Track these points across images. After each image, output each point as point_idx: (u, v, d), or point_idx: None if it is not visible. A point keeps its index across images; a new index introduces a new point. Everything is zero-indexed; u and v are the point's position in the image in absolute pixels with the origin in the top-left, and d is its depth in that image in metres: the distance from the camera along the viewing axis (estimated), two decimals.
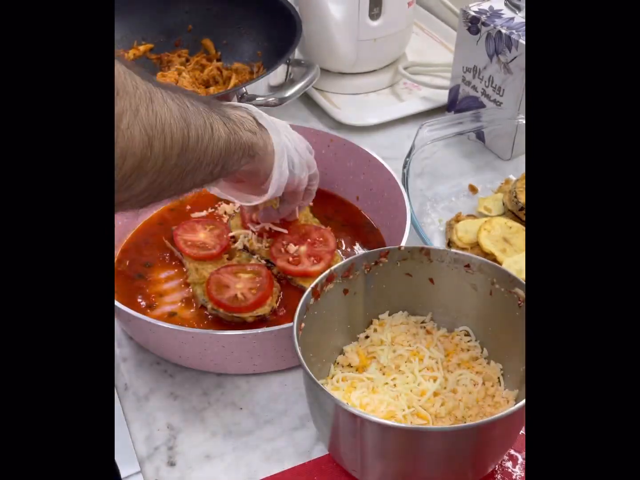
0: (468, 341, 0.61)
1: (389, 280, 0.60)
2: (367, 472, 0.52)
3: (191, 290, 0.69)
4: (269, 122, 0.58)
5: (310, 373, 0.48)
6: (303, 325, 0.53)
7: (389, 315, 0.62)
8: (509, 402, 0.56)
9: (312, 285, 0.55)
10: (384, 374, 0.57)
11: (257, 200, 0.63)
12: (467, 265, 0.58)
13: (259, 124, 0.57)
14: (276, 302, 0.68)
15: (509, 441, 0.52)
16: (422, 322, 0.62)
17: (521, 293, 0.55)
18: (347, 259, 0.58)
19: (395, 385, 0.56)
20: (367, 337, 0.61)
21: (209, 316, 0.67)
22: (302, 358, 0.49)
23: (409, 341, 0.60)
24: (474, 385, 0.57)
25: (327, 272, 0.56)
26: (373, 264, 0.59)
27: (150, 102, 0.42)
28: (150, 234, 0.76)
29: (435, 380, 0.56)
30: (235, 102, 0.59)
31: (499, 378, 0.58)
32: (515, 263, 0.69)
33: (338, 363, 0.60)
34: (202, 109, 0.49)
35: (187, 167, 0.47)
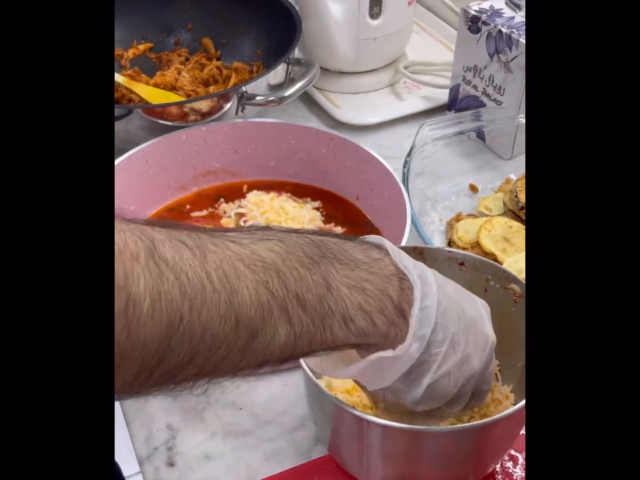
0: None
1: None
2: (367, 472, 0.52)
3: None
4: (427, 327, 0.38)
5: (310, 374, 0.48)
6: None
7: None
8: (507, 398, 0.56)
9: None
10: None
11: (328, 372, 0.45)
12: (461, 263, 0.58)
13: (402, 315, 0.38)
14: None
15: (510, 441, 0.52)
16: None
17: (517, 289, 0.55)
18: None
19: None
20: None
21: None
22: (302, 361, 0.49)
23: None
24: None
25: None
26: None
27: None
28: None
29: None
30: (406, 265, 0.40)
31: (496, 374, 0.58)
32: (515, 262, 0.69)
33: None
34: (261, 303, 0.33)
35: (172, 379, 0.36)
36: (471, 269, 0.58)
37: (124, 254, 0.30)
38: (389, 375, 0.41)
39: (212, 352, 0.33)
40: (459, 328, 0.41)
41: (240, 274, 0.33)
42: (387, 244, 0.41)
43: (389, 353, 0.38)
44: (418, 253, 0.59)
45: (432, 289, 0.39)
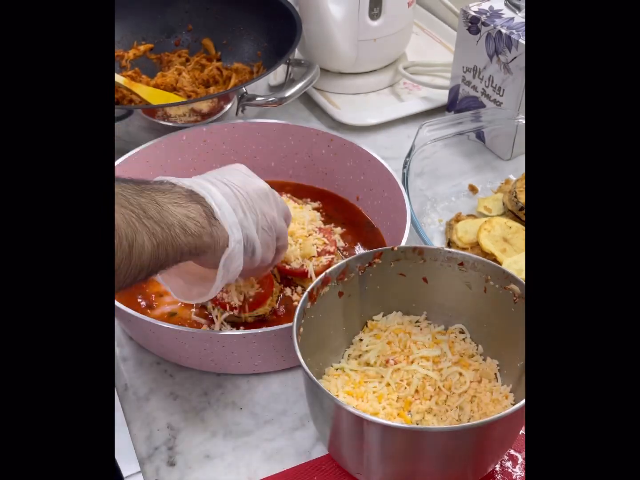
0: (463, 339, 0.61)
1: (384, 281, 0.60)
2: (367, 472, 0.52)
3: None
4: (228, 214, 0.51)
5: (310, 374, 0.48)
6: (302, 330, 0.53)
7: (384, 316, 0.62)
8: (507, 397, 0.56)
9: (308, 289, 0.55)
10: (378, 373, 0.58)
11: (197, 299, 0.57)
12: (461, 264, 0.58)
13: (212, 219, 0.50)
14: (276, 302, 0.68)
15: (509, 441, 0.53)
16: (417, 322, 0.62)
17: (516, 289, 0.55)
18: (342, 261, 0.58)
19: (389, 384, 0.57)
20: (361, 340, 0.61)
21: (209, 316, 0.67)
22: (302, 360, 0.49)
23: (404, 341, 0.60)
24: (471, 382, 0.57)
25: (322, 275, 0.56)
26: (367, 265, 0.59)
27: None
28: None
29: (430, 379, 0.57)
30: (195, 182, 0.52)
31: (495, 374, 0.58)
32: (515, 263, 0.69)
33: (337, 369, 0.60)
34: (125, 218, 0.43)
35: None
36: (471, 269, 0.58)
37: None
38: (236, 264, 0.53)
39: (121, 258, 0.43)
40: (245, 199, 0.54)
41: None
42: (170, 179, 0.52)
43: (226, 252, 0.51)
44: (418, 253, 0.59)
45: (216, 195, 0.52)
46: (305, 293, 0.55)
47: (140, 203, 0.45)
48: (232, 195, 0.53)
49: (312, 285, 0.55)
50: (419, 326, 0.62)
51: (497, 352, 0.60)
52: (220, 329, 0.65)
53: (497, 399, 0.56)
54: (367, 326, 0.62)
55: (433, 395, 0.56)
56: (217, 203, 0.51)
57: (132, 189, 0.46)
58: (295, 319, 0.52)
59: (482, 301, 0.59)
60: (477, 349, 0.61)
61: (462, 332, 0.62)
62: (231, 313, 0.65)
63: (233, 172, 0.56)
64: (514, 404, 0.55)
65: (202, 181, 0.53)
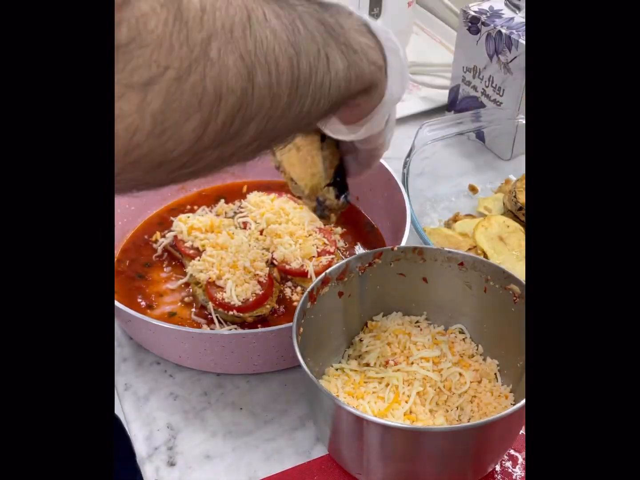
0: (463, 339, 0.61)
1: (383, 281, 0.60)
2: (367, 472, 0.52)
3: (191, 290, 0.69)
4: (396, 57, 0.47)
5: (310, 374, 0.48)
6: (302, 330, 0.53)
7: (384, 316, 0.62)
8: (507, 397, 0.56)
9: (309, 289, 0.55)
10: (378, 374, 0.58)
11: (345, 135, 0.51)
12: (461, 264, 0.58)
13: (384, 56, 0.46)
14: (275, 302, 0.68)
15: (509, 441, 0.53)
16: (417, 322, 0.62)
17: (516, 289, 0.55)
18: (342, 261, 0.58)
19: (388, 384, 0.57)
20: (361, 340, 0.61)
21: (209, 316, 0.67)
22: (302, 361, 0.49)
23: (404, 342, 0.60)
24: (471, 382, 0.57)
25: (322, 275, 0.56)
26: (367, 265, 0.59)
27: (248, 21, 0.33)
28: (150, 234, 0.76)
29: (430, 380, 0.57)
30: (362, 18, 0.47)
31: (495, 374, 0.58)
32: (502, 263, 0.68)
33: (337, 369, 0.60)
34: (318, 34, 0.39)
35: (302, 107, 0.38)
36: (471, 269, 0.58)
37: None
38: (382, 117, 0.50)
39: (316, 71, 0.38)
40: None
41: (298, 11, 0.39)
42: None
43: (386, 94, 0.47)
44: (418, 253, 0.59)
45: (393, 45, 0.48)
46: (305, 293, 0.55)
47: (331, 22, 0.41)
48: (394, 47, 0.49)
49: (312, 285, 0.55)
50: (419, 326, 0.62)
51: (497, 352, 0.60)
52: (220, 329, 0.65)
53: (497, 399, 0.56)
54: (367, 327, 0.62)
55: (433, 395, 0.56)
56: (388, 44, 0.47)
57: (324, 11, 0.42)
58: (295, 319, 0.52)
59: (482, 301, 0.59)
60: (477, 349, 0.61)
61: (462, 332, 0.62)
62: (231, 313, 0.65)
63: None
64: (514, 404, 0.55)
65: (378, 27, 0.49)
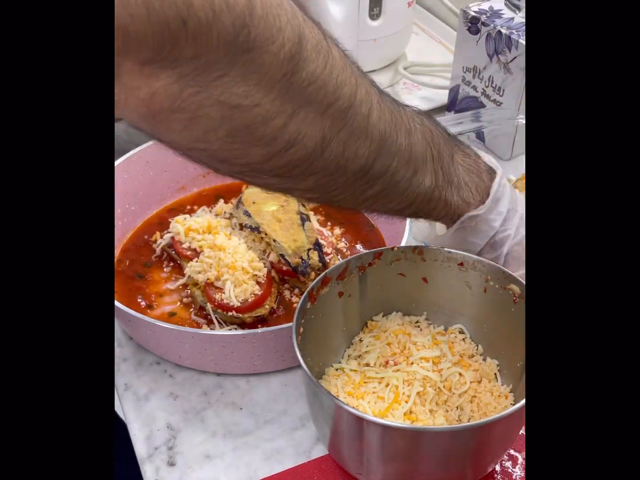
0: (463, 339, 0.61)
1: (383, 281, 0.60)
2: (367, 472, 0.52)
3: (189, 291, 0.69)
4: (504, 201, 0.55)
5: (310, 374, 0.48)
6: (302, 330, 0.53)
7: (384, 316, 0.62)
8: (507, 397, 0.56)
9: (308, 289, 0.55)
10: (378, 374, 0.58)
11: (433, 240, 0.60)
12: (461, 264, 0.58)
13: (486, 197, 0.53)
14: (274, 302, 0.68)
15: (509, 441, 0.53)
16: (417, 322, 0.62)
17: (516, 289, 0.55)
18: (342, 261, 0.58)
19: (388, 384, 0.57)
20: (361, 340, 0.61)
21: (209, 316, 0.67)
22: (302, 361, 0.49)
23: (404, 342, 0.60)
24: (471, 382, 0.57)
25: (322, 275, 0.56)
26: (367, 265, 0.59)
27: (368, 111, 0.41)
28: (150, 234, 0.76)
29: (430, 380, 0.57)
30: (488, 162, 0.56)
31: (495, 374, 0.58)
32: None
33: (337, 369, 0.60)
34: (418, 148, 0.46)
35: (365, 190, 0.44)
36: (470, 269, 0.58)
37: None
38: (478, 241, 0.56)
39: (395, 173, 0.45)
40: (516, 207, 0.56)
41: (412, 122, 0.45)
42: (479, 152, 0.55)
43: (472, 212, 0.53)
44: (418, 253, 0.59)
45: (505, 181, 0.55)
46: (305, 293, 0.54)
47: (441, 149, 0.47)
48: (513, 198, 0.56)
49: (311, 285, 0.55)
50: (419, 327, 0.62)
51: (497, 352, 0.60)
52: (219, 329, 0.65)
53: (497, 399, 0.56)
54: (367, 327, 0.62)
55: (433, 395, 0.56)
56: (502, 186, 0.54)
57: (442, 138, 0.49)
58: (295, 319, 0.52)
59: (482, 301, 0.59)
60: (477, 349, 0.61)
61: (461, 332, 0.62)
62: (230, 314, 0.65)
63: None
64: (514, 404, 0.55)
65: (500, 172, 0.55)
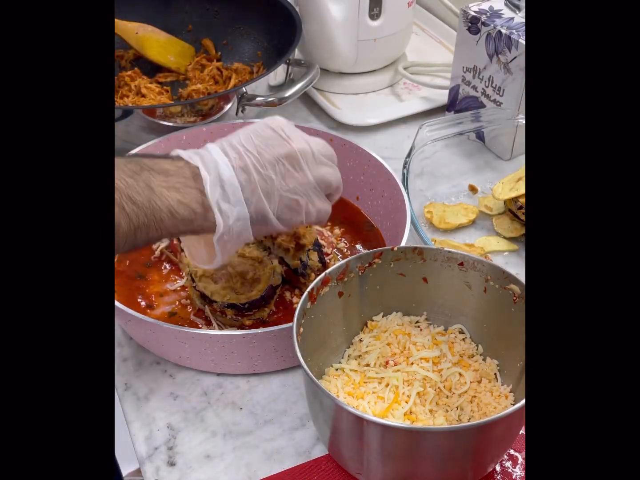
0: (463, 339, 0.61)
1: (383, 281, 0.60)
2: (367, 471, 0.52)
3: (188, 292, 0.69)
4: (232, 192, 0.52)
5: (310, 374, 0.48)
6: (302, 330, 0.53)
7: (384, 316, 0.62)
8: (507, 397, 0.56)
9: (308, 289, 0.55)
10: (378, 374, 0.58)
11: (207, 264, 0.57)
12: (461, 264, 0.58)
13: (209, 206, 0.51)
14: (274, 305, 0.68)
15: (509, 441, 0.53)
16: (417, 323, 0.62)
17: (516, 289, 0.55)
18: (342, 261, 0.58)
19: (388, 384, 0.57)
20: (361, 340, 0.61)
21: (208, 318, 0.66)
22: (302, 361, 0.49)
23: (404, 342, 0.60)
24: (471, 382, 0.57)
25: (322, 275, 0.56)
26: (367, 265, 0.59)
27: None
28: None
29: (430, 380, 0.57)
30: (206, 156, 0.52)
31: (495, 374, 0.58)
32: None
33: (337, 369, 0.60)
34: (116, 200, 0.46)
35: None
36: (471, 269, 0.58)
37: None
38: (242, 238, 0.54)
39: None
40: (259, 167, 0.53)
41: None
42: (181, 153, 0.53)
43: (216, 234, 0.52)
44: (418, 253, 0.59)
45: (222, 166, 0.52)
46: (305, 293, 0.54)
47: (130, 185, 0.47)
48: (246, 165, 0.52)
49: (312, 285, 0.55)
50: (419, 326, 0.62)
51: (497, 352, 0.60)
52: (219, 329, 0.65)
53: (497, 399, 0.56)
54: (367, 326, 0.62)
55: (433, 396, 0.56)
56: (224, 180, 0.51)
57: (131, 169, 0.48)
58: (295, 319, 0.52)
59: (482, 301, 0.59)
60: (477, 349, 0.61)
61: (461, 332, 0.62)
62: (230, 317, 0.65)
63: (262, 132, 0.55)
64: (514, 404, 0.55)
65: (216, 152, 0.53)
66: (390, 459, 0.49)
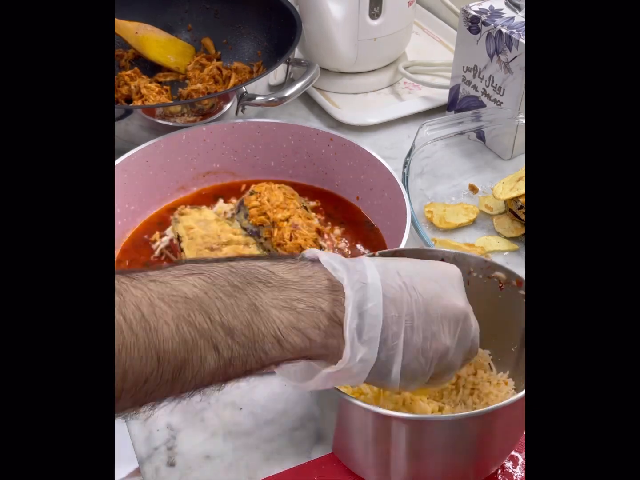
0: None
1: None
2: (367, 471, 0.52)
3: None
4: (372, 325, 0.40)
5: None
6: None
7: None
8: (507, 384, 0.56)
9: None
10: None
11: (291, 382, 0.46)
12: (442, 260, 0.58)
13: (337, 327, 0.40)
14: None
15: (512, 436, 0.52)
16: None
17: (501, 276, 0.55)
18: None
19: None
20: None
21: None
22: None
23: None
24: (467, 376, 0.57)
25: None
26: None
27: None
28: (150, 234, 0.76)
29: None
30: (360, 271, 0.41)
31: (489, 364, 0.59)
32: None
33: None
34: (182, 338, 0.36)
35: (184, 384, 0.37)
36: (452, 263, 0.58)
37: None
38: (353, 380, 0.42)
39: (138, 387, 0.35)
40: (415, 312, 0.42)
41: (159, 312, 0.35)
42: (322, 257, 0.42)
43: (332, 369, 0.40)
44: (399, 255, 0.59)
45: (372, 290, 0.40)
46: None
47: (227, 307, 0.37)
48: (401, 301, 0.42)
49: None
50: None
51: (487, 341, 0.59)
52: None
53: (497, 386, 0.56)
54: None
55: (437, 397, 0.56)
56: (367, 308, 0.40)
57: (234, 283, 0.38)
58: None
59: (466, 294, 0.59)
60: None
61: None
62: None
63: (433, 274, 0.45)
64: (515, 389, 0.56)
65: (370, 269, 0.42)
66: (399, 453, 0.49)
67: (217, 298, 0.37)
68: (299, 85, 0.82)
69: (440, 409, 0.55)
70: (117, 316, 0.34)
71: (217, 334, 0.36)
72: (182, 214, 0.74)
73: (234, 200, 0.80)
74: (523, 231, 0.77)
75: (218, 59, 1.01)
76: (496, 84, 0.84)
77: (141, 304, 0.35)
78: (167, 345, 0.35)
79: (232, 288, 0.38)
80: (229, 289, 0.37)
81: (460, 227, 0.78)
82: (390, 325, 0.41)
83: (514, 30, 0.79)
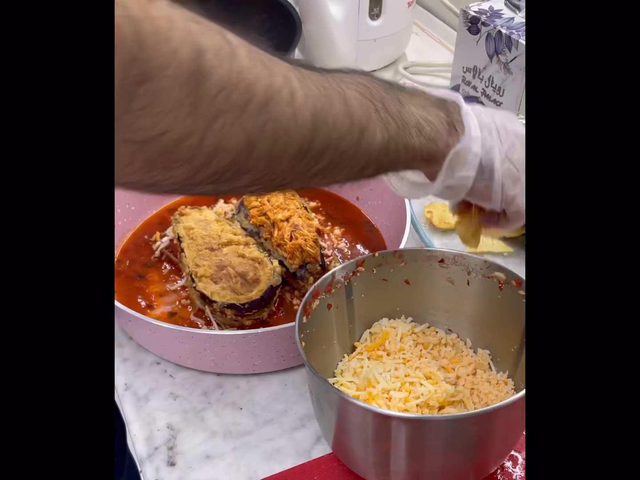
0: (451, 338, 0.61)
1: (368, 288, 0.60)
2: (374, 467, 0.52)
3: (188, 292, 0.69)
4: (473, 128, 0.49)
5: (315, 370, 0.48)
6: (304, 344, 0.52)
7: (371, 326, 0.62)
8: (506, 383, 0.57)
9: (302, 303, 0.54)
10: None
11: (416, 194, 0.53)
12: (441, 260, 0.58)
13: (453, 128, 0.48)
14: (274, 305, 0.68)
15: (512, 436, 0.52)
16: (413, 328, 0.62)
17: (501, 276, 0.55)
18: (328, 273, 0.57)
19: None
20: (349, 361, 0.60)
21: (207, 318, 0.66)
22: (303, 356, 0.49)
23: (401, 353, 0.59)
24: (467, 376, 0.57)
25: (311, 288, 0.55)
26: (351, 274, 0.58)
27: (269, 100, 0.37)
28: (150, 234, 0.76)
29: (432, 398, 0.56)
30: (455, 95, 0.50)
31: (489, 364, 0.59)
32: None
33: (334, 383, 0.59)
34: (357, 108, 0.43)
35: (310, 168, 0.42)
36: (451, 264, 0.58)
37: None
38: (467, 173, 0.49)
39: (338, 142, 0.42)
40: (499, 128, 0.51)
41: (345, 85, 0.43)
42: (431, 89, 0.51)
43: (458, 146, 0.48)
44: (398, 256, 0.59)
45: (467, 108, 0.50)
46: (300, 308, 0.54)
47: (383, 97, 0.45)
48: (487, 120, 0.51)
49: (304, 299, 0.55)
50: (408, 332, 0.61)
51: (487, 342, 0.59)
52: (219, 330, 0.65)
53: (497, 386, 0.56)
54: (357, 346, 0.61)
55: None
56: (465, 114, 0.49)
57: (382, 87, 0.46)
58: (296, 335, 0.52)
59: (466, 294, 0.59)
60: (465, 344, 0.61)
61: (450, 331, 0.61)
62: (230, 317, 0.65)
63: (499, 112, 0.54)
64: (514, 389, 0.56)
65: (461, 100, 0.51)
66: (399, 453, 0.49)
67: (377, 89, 0.45)
68: None
69: (441, 408, 0.55)
70: (323, 82, 0.41)
71: (382, 110, 0.44)
72: (182, 214, 0.74)
73: (234, 201, 0.80)
74: (523, 231, 0.77)
75: None
76: (496, 85, 0.84)
77: (332, 81, 0.42)
78: (355, 109, 0.42)
79: (385, 86, 0.46)
80: (383, 86, 0.46)
81: None
82: (483, 132, 0.50)
83: (514, 31, 0.80)
